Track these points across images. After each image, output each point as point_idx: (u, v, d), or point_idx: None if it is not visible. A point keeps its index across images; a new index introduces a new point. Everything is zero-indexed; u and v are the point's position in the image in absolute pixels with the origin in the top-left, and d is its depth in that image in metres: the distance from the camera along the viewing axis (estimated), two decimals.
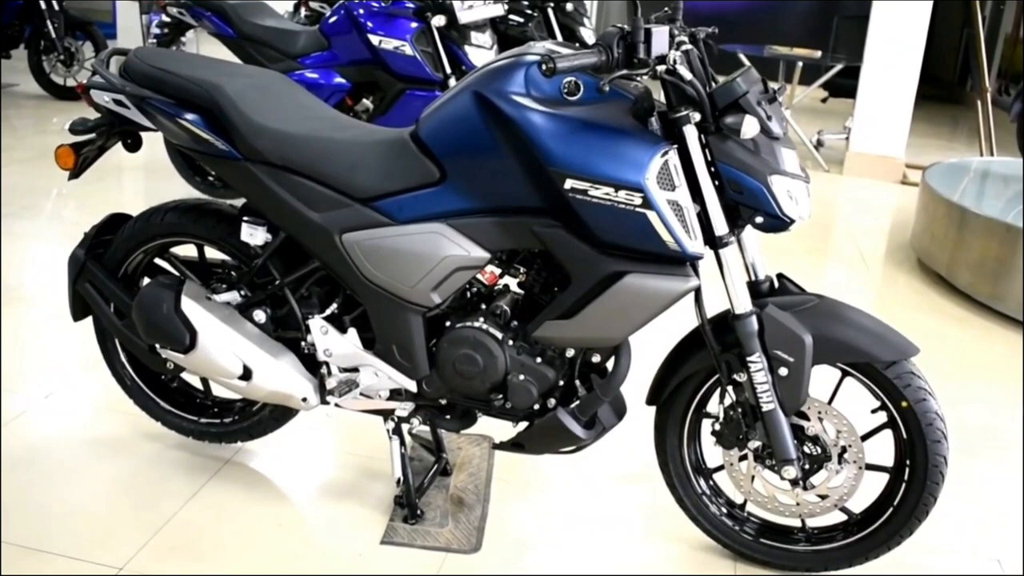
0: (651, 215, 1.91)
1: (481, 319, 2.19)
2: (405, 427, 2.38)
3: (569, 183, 1.93)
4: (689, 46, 2.01)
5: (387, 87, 4.44)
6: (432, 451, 2.65)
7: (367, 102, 4.62)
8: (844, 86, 7.05)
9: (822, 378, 2.21)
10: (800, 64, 6.98)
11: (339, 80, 4.49)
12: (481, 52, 4.42)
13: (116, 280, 2.47)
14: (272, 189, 2.19)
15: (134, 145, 2.48)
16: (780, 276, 2.19)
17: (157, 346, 2.38)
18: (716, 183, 1.98)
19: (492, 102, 1.98)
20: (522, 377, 2.17)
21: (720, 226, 1.99)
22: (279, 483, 2.58)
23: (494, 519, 2.48)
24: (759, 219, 1.98)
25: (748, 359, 2.05)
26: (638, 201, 1.91)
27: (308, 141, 2.17)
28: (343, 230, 2.16)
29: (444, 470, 2.63)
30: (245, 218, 2.30)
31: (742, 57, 6.65)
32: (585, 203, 1.93)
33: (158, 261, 2.57)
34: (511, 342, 2.18)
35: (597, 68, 1.83)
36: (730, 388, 2.16)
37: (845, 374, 2.14)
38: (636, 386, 2.46)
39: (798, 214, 1.98)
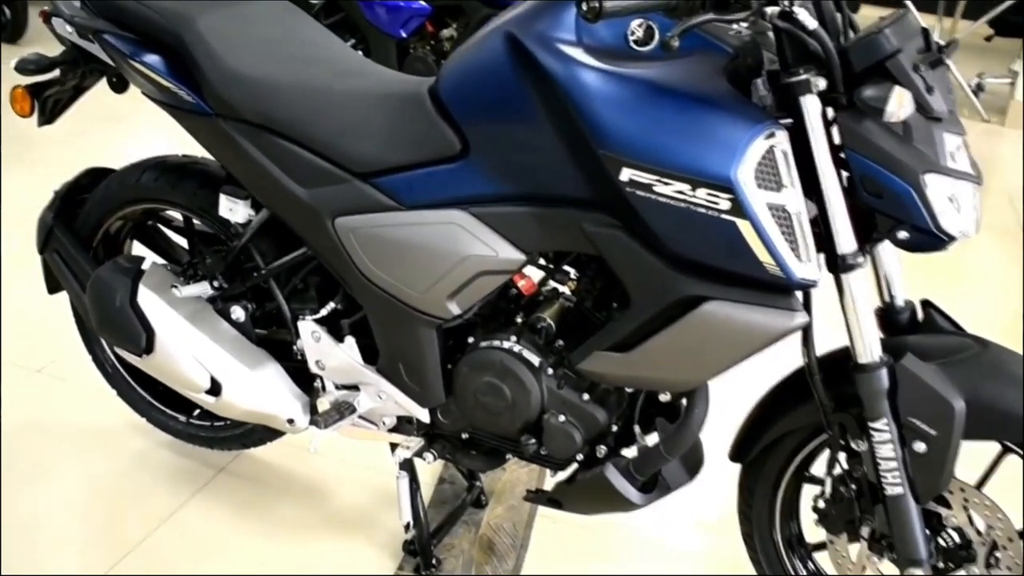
0: (742, 224, 1.33)
1: (513, 337, 1.65)
2: (419, 461, 1.88)
3: (627, 173, 1.36)
4: None
5: (472, 11, 3.88)
6: (465, 475, 2.16)
7: (450, 30, 4.06)
8: (1013, 23, 6.11)
9: (972, 451, 1.60)
10: None
11: (420, 3, 3.94)
12: None
13: (84, 252, 2.02)
14: (249, 154, 1.69)
15: (120, 84, 2.00)
16: (926, 304, 1.58)
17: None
18: (844, 179, 1.38)
19: (529, 50, 1.42)
20: (562, 418, 1.64)
21: (846, 242, 1.39)
22: (273, 506, 2.13)
23: (530, 573, 1.98)
24: (902, 234, 1.37)
25: (871, 425, 1.47)
26: (725, 204, 1.33)
27: (295, 93, 1.65)
28: (336, 212, 1.64)
29: (477, 500, 2.13)
30: (225, 187, 1.81)
31: None
32: (649, 202, 1.37)
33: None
34: (551, 370, 1.64)
35: (671, 10, 1.24)
36: (842, 455, 1.58)
37: (1006, 450, 1.54)
38: (722, 420, 1.89)
39: (960, 229, 1.37)
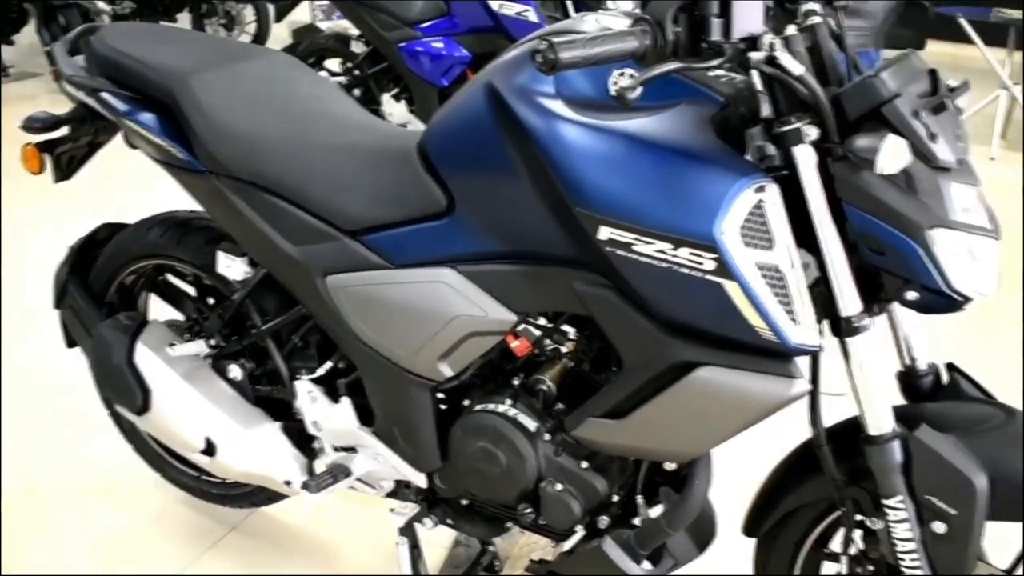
0: (729, 286, 1.24)
1: (509, 401, 1.57)
2: (419, 526, 1.80)
3: (605, 232, 1.28)
4: (818, 19, 1.29)
5: None
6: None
7: None
8: None
9: (1005, 533, 1.46)
10: None
11: (461, 51, 3.92)
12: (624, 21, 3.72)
13: (96, 307, 2.01)
14: (241, 211, 1.65)
15: None
16: (952, 368, 1.45)
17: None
18: (845, 236, 1.27)
19: (507, 102, 1.35)
20: (559, 487, 1.55)
21: (849, 303, 1.27)
22: (283, 566, 2.07)
23: None
24: (911, 294, 1.25)
25: (885, 502, 1.34)
26: (709, 264, 1.23)
27: (285, 150, 1.61)
28: (326, 270, 1.59)
29: (491, 566, 2.04)
30: (223, 244, 1.78)
31: (963, 23, 5.55)
32: (629, 262, 1.28)
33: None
34: (548, 436, 1.55)
35: (639, 58, 1.16)
36: (858, 533, 1.45)
37: None
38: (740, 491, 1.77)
39: (975, 288, 1.25)
